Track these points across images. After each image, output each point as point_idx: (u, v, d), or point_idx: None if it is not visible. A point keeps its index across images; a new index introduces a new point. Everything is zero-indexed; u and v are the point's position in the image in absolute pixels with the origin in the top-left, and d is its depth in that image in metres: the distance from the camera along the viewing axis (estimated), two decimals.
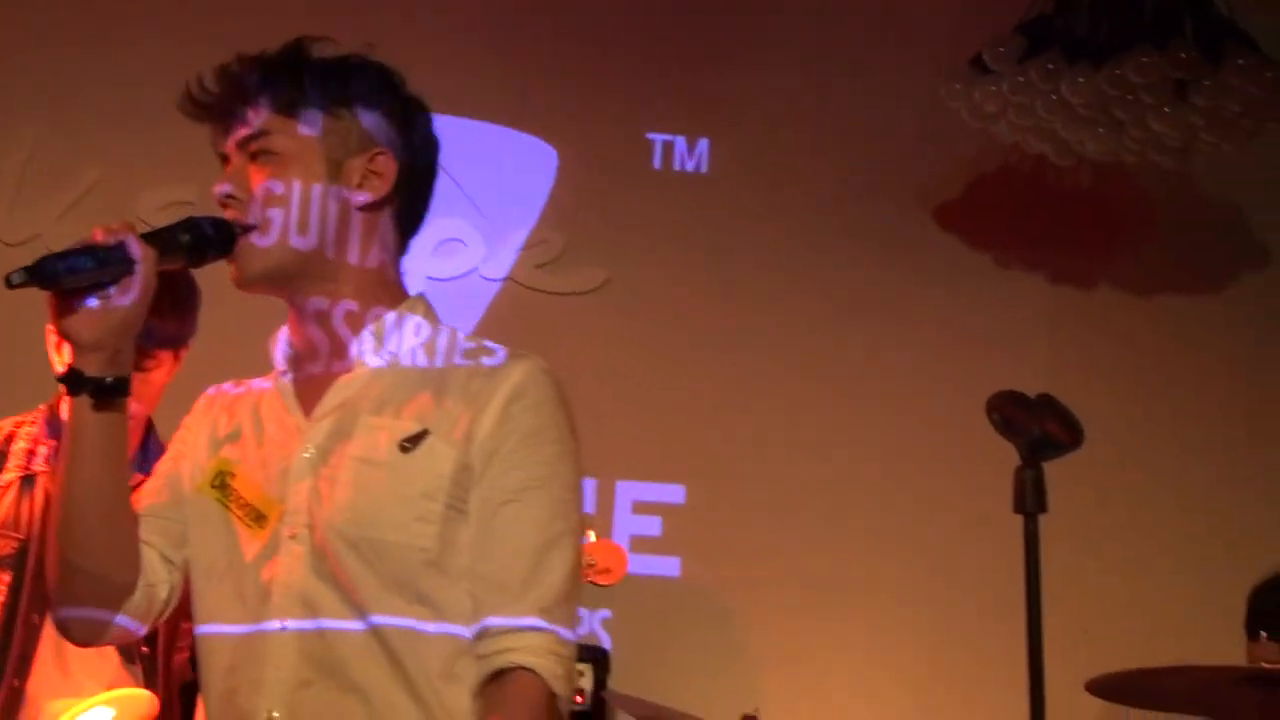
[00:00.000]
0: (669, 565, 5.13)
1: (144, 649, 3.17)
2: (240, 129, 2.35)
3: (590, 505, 5.00)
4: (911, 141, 5.30)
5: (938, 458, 5.05)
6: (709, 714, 4.07)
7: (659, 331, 5.24)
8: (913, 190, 5.33)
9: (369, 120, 2.37)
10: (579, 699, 4.53)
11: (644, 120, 5.38)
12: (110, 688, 3.13)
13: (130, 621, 2.35)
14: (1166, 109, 4.61)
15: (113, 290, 2.17)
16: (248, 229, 2.30)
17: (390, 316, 2.37)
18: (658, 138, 5.39)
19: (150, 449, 3.21)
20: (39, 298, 2.15)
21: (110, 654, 3.16)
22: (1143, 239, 5.36)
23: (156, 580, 2.35)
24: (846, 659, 5.04)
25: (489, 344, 2.38)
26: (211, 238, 2.29)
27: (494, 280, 5.25)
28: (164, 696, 3.17)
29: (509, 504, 2.29)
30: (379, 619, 2.24)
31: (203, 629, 2.34)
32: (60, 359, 2.88)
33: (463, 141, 5.17)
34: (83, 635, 2.36)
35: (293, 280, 2.35)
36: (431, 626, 2.26)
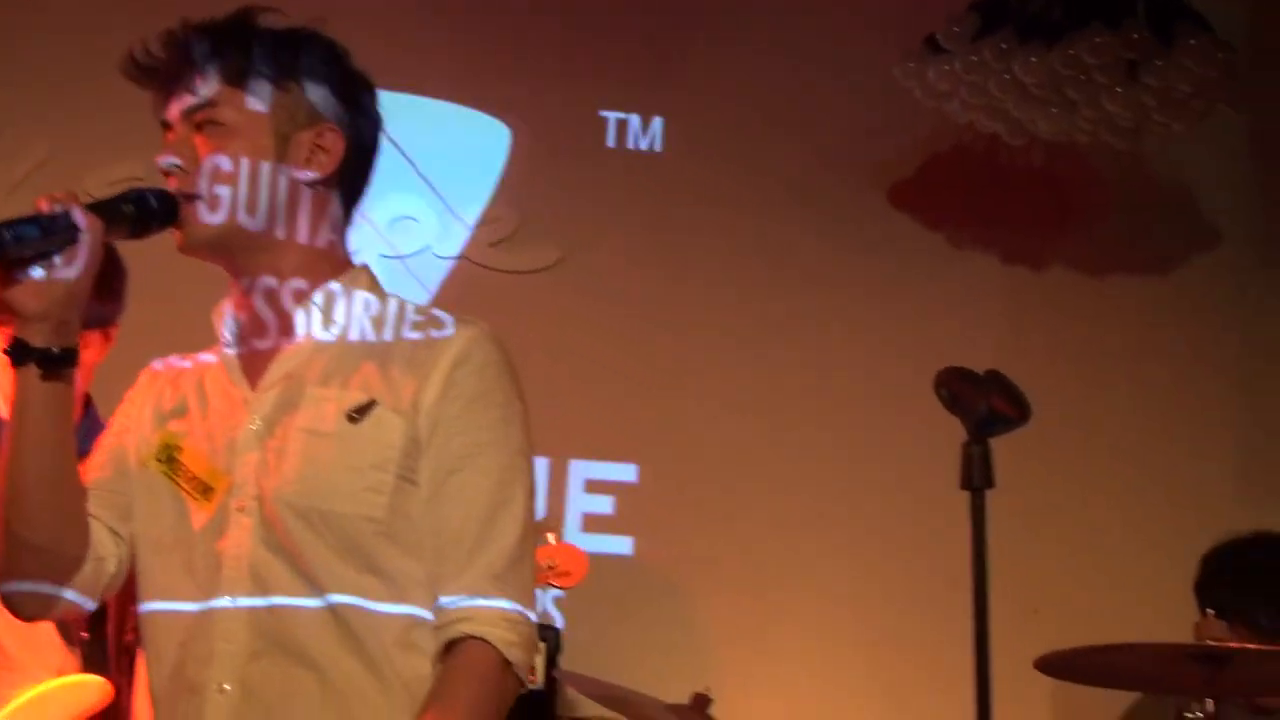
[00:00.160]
0: (621, 544, 5.12)
1: (84, 634, 3.15)
2: (186, 97, 2.33)
3: (543, 484, 5.00)
4: (865, 120, 5.30)
5: (891, 435, 5.05)
6: (662, 692, 4.07)
7: (612, 310, 5.24)
8: (867, 169, 5.33)
9: (316, 94, 2.37)
10: (532, 677, 4.52)
11: (598, 98, 5.37)
12: (59, 673, 3.11)
13: (78, 596, 2.34)
14: (1119, 89, 4.63)
15: (58, 260, 2.16)
16: (191, 197, 2.29)
17: (335, 289, 2.36)
18: (612, 116, 5.37)
19: (89, 428, 3.19)
20: None
21: (54, 639, 3.14)
22: (1095, 219, 5.38)
23: (105, 554, 2.34)
24: (798, 636, 5.05)
25: (437, 313, 2.38)
26: (155, 209, 2.28)
27: (447, 258, 5.23)
28: (116, 681, 3.15)
29: (455, 473, 2.29)
30: (332, 590, 2.24)
31: (151, 604, 2.33)
32: None
33: (417, 119, 5.15)
34: (31, 610, 2.35)
35: (237, 253, 2.34)
36: (386, 597, 2.26)
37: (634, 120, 5.37)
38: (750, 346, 5.24)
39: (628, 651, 4.91)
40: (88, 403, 3.26)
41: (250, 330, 2.38)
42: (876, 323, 5.24)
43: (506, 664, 2.24)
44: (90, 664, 3.15)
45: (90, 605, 2.37)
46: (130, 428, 2.41)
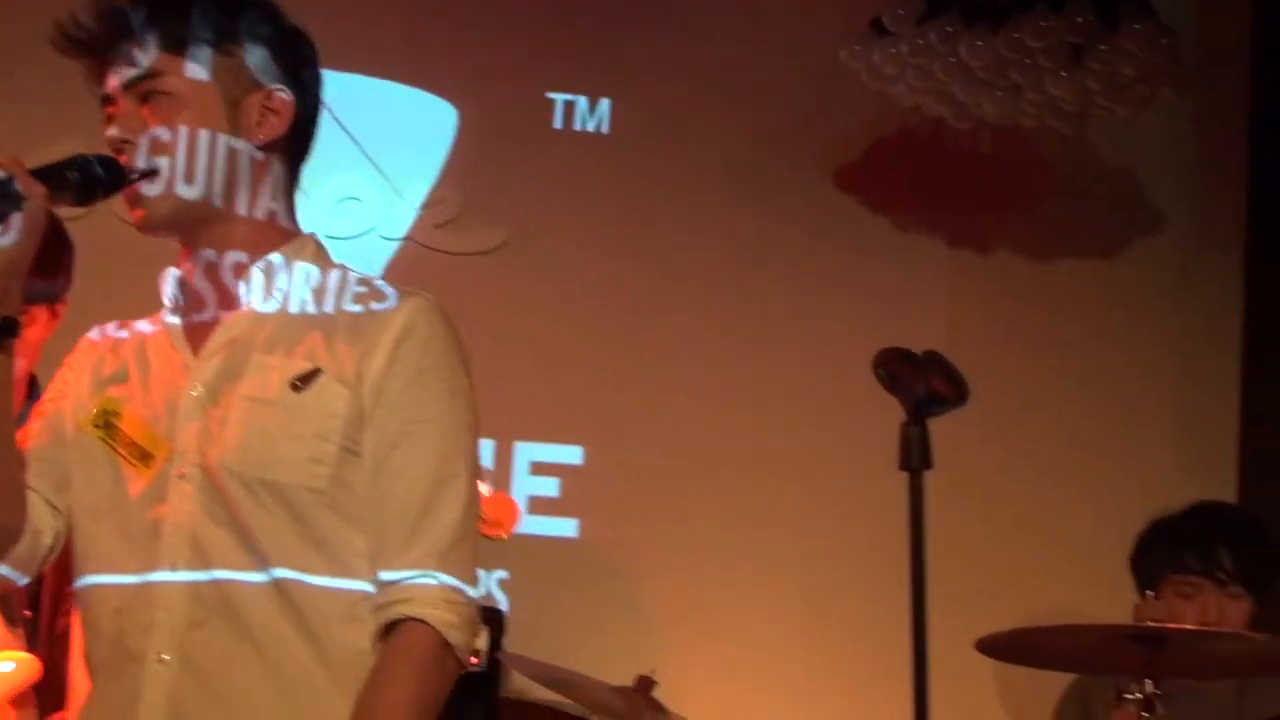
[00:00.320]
0: (566, 526, 5.12)
1: (27, 612, 3.12)
2: (125, 69, 2.30)
3: (487, 466, 4.99)
4: (812, 103, 5.30)
5: (835, 417, 5.06)
6: (606, 675, 4.07)
7: (558, 292, 5.23)
8: (813, 152, 5.33)
9: (259, 57, 2.35)
10: (474, 660, 4.52)
11: (545, 79, 5.35)
12: None
13: (13, 571, 2.32)
14: (1063, 73, 4.64)
15: None
16: (144, 175, 2.27)
17: (277, 259, 2.34)
18: (559, 97, 5.36)
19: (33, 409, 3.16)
20: None
21: None
22: (1040, 203, 5.40)
23: (42, 526, 2.31)
24: (743, 619, 5.06)
25: (380, 284, 2.36)
26: (101, 177, 2.25)
27: (392, 240, 5.21)
28: (47, 661, 3.12)
29: (397, 447, 2.27)
30: (275, 563, 2.22)
31: (88, 575, 2.30)
32: None
33: (362, 99, 5.12)
34: None
35: (195, 225, 2.32)
36: (330, 571, 2.24)
37: (581, 102, 5.36)
38: (695, 329, 5.24)
39: (572, 634, 4.91)
40: (32, 383, 3.23)
41: (195, 299, 2.36)
42: (822, 305, 5.25)
43: (447, 646, 2.22)
44: (34, 644, 3.12)
45: (24, 580, 2.35)
46: (68, 394, 2.38)
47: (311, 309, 2.33)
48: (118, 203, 2.32)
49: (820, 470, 5.13)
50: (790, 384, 5.21)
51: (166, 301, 2.39)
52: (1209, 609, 3.94)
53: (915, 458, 2.02)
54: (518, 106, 5.32)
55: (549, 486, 5.13)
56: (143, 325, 2.42)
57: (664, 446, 5.16)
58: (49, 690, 3.05)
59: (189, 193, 2.29)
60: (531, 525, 5.07)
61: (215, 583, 2.22)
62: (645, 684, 3.96)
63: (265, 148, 2.34)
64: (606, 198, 5.30)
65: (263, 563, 2.22)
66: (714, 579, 5.07)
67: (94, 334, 2.45)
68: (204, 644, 2.21)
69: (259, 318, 2.32)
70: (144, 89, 2.30)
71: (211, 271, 2.34)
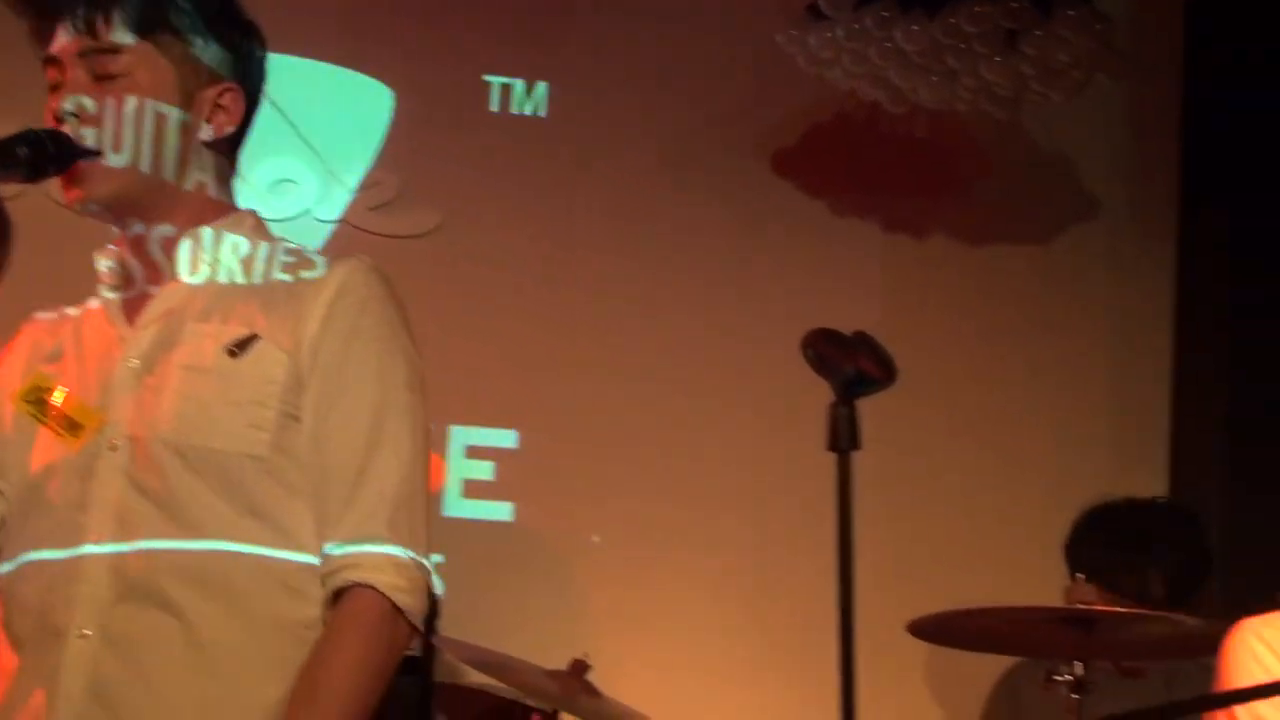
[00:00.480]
0: (501, 510, 5.10)
1: None
2: (86, 38, 2.29)
3: None
4: (748, 87, 5.30)
5: (772, 400, 5.05)
6: (540, 659, 4.07)
7: (494, 275, 5.21)
8: (749, 136, 5.33)
9: (218, 52, 2.35)
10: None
11: (481, 62, 5.33)
12: None
13: None
14: (998, 58, 4.66)
15: None
16: (91, 153, 2.26)
17: (209, 232, 2.33)
18: (495, 80, 5.34)
19: None
20: None
21: None
22: (975, 188, 5.41)
23: None
24: (675, 602, 5.06)
25: (311, 254, 2.36)
26: (52, 154, 2.23)
27: (327, 222, 5.18)
28: None
29: (333, 410, 2.26)
30: (210, 534, 2.20)
31: (20, 551, 2.28)
32: None
33: (298, 81, 5.08)
34: None
35: (130, 205, 2.31)
36: (269, 542, 2.22)
37: (518, 85, 5.34)
38: (632, 312, 5.23)
39: (507, 618, 4.90)
40: None
41: (132, 275, 2.36)
42: (758, 289, 5.25)
43: (396, 610, 2.20)
44: None
45: None
46: (3, 385, 2.37)
47: (241, 279, 2.32)
48: (50, 181, 2.31)
49: (756, 453, 5.13)
50: (726, 368, 5.22)
51: (103, 278, 2.38)
52: None
53: (843, 438, 2.02)
54: (454, 89, 5.30)
55: (484, 470, 5.11)
56: (83, 305, 2.42)
57: (599, 430, 5.16)
58: None
59: (145, 172, 2.30)
60: (467, 509, 5.07)
61: (140, 555, 2.20)
62: (579, 668, 3.97)
63: (212, 142, 2.35)
64: (543, 181, 5.28)
65: (192, 533, 2.20)
66: (648, 563, 5.07)
67: (32, 321, 2.45)
68: (127, 618, 2.19)
69: (195, 288, 2.32)
70: (101, 64, 2.29)
71: (149, 248, 2.33)
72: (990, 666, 4.30)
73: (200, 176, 2.35)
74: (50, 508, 2.25)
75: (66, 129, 2.26)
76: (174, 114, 2.30)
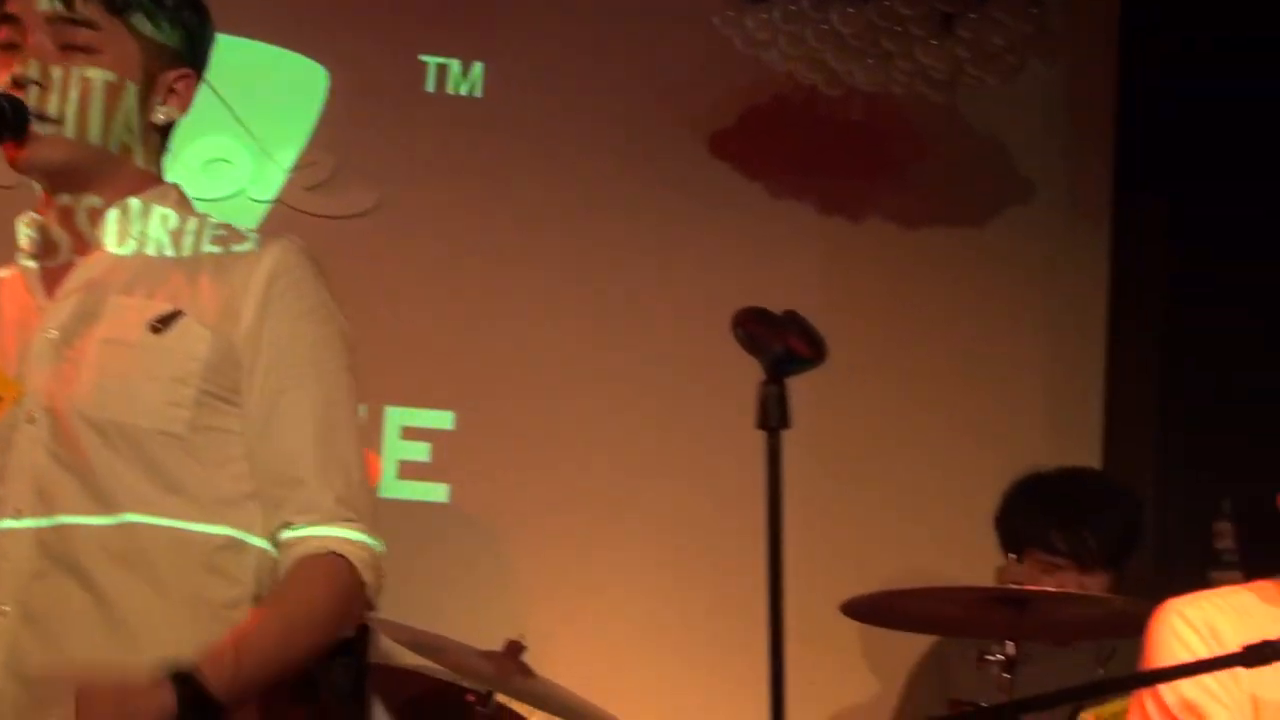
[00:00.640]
0: (438, 491, 5.09)
1: None
2: (59, 6, 2.27)
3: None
4: (686, 68, 5.30)
5: (708, 381, 5.06)
6: (476, 639, 4.07)
7: (430, 256, 5.20)
8: (687, 118, 5.33)
9: (179, 36, 2.36)
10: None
11: (417, 42, 5.31)
12: None
13: None
14: (933, 41, 4.67)
15: None
16: (47, 120, 2.24)
17: (136, 203, 2.32)
18: (431, 60, 5.32)
19: None
20: None
21: None
22: (911, 171, 5.43)
23: None
24: (610, 583, 5.07)
25: (240, 229, 2.36)
26: (9, 119, 2.22)
27: (262, 202, 5.15)
28: None
29: (285, 392, 2.26)
30: (127, 509, 2.18)
31: None
32: None
33: (232, 59, 5.01)
34: None
35: (73, 173, 2.30)
36: (189, 516, 2.21)
37: (454, 65, 5.32)
38: (570, 295, 5.22)
39: (442, 599, 4.90)
40: None
41: (56, 244, 2.34)
42: (696, 271, 5.25)
43: (361, 583, 2.23)
44: None
45: None
46: None
47: (169, 252, 2.31)
48: None
49: (691, 434, 5.14)
50: (663, 350, 5.22)
51: (22, 246, 2.37)
52: (1067, 585, 4.01)
53: (773, 416, 2.02)
54: (390, 69, 5.27)
55: (420, 451, 5.10)
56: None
57: (536, 411, 5.15)
58: None
59: (86, 143, 2.28)
60: (402, 490, 5.06)
61: (59, 530, 2.19)
62: (514, 648, 3.97)
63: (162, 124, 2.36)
64: (479, 162, 5.26)
65: (111, 508, 2.18)
66: (584, 544, 5.08)
67: None
68: (45, 594, 2.18)
69: (118, 260, 2.31)
70: (70, 34, 2.29)
71: (74, 217, 2.32)
72: (922, 645, 4.32)
73: (144, 154, 2.36)
74: None
75: (25, 94, 2.25)
76: (134, 93, 2.30)
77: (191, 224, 2.35)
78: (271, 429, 2.25)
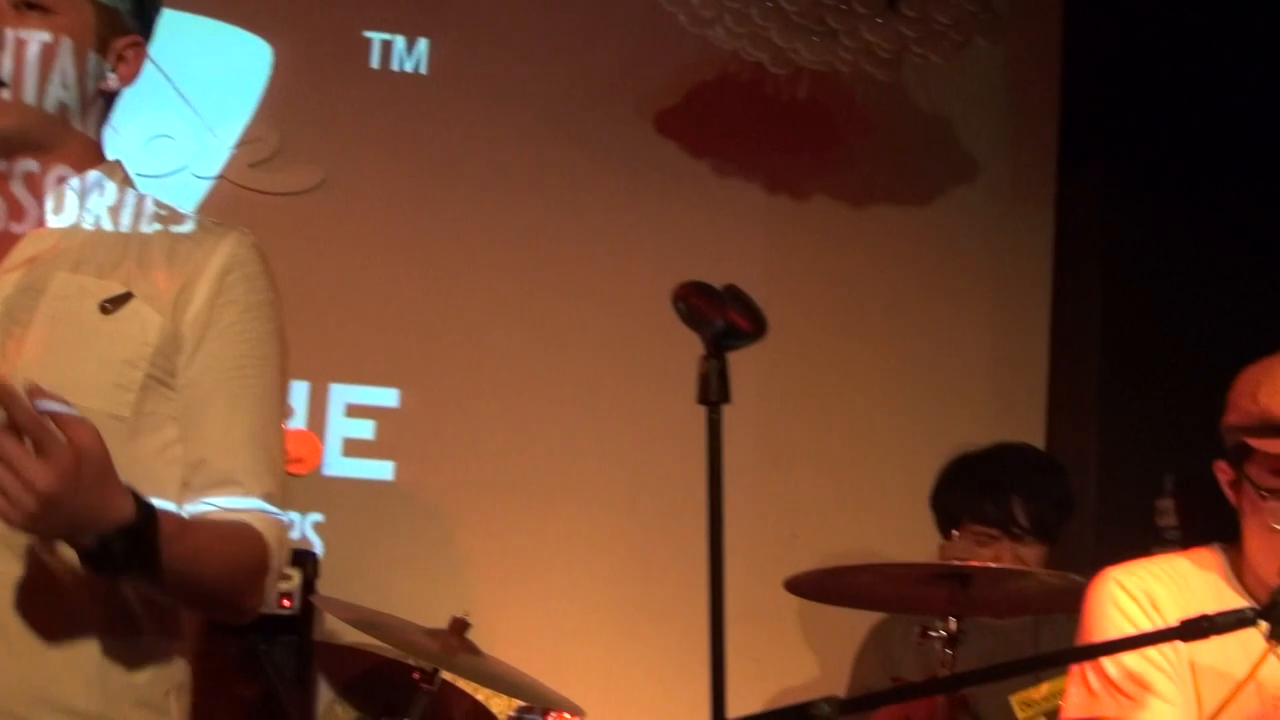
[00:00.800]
0: (382, 469, 5.08)
1: None
2: None
3: (302, 408, 4.96)
4: (632, 46, 5.29)
5: (653, 360, 5.06)
6: (421, 617, 4.06)
7: (374, 233, 5.18)
8: (633, 95, 5.33)
9: (130, 3, 2.33)
10: (287, 602, 4.49)
11: (361, 18, 5.28)
12: None
13: None
14: (878, 19, 4.66)
15: None
16: (2, 84, 2.23)
17: (93, 177, 2.32)
18: (376, 36, 5.29)
19: None
20: None
21: None
22: (857, 149, 5.44)
23: None
24: (556, 560, 5.07)
25: (178, 210, 2.35)
26: None
27: (205, 178, 5.12)
28: None
29: (227, 382, 2.25)
30: None
31: None
32: None
33: (175, 34, 4.99)
34: None
35: (19, 142, 2.28)
36: None
37: (399, 41, 5.29)
38: (514, 271, 5.21)
39: (387, 577, 4.89)
40: None
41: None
42: (641, 248, 5.24)
43: (266, 568, 2.22)
44: None
45: None
46: None
47: (114, 229, 2.30)
48: None
49: (637, 412, 5.14)
50: (608, 328, 5.22)
51: None
52: (1003, 557, 4.04)
53: (713, 391, 2.02)
54: (334, 45, 5.25)
55: (364, 429, 5.08)
56: None
57: (481, 389, 5.14)
58: None
59: (39, 108, 2.26)
60: (347, 468, 5.05)
61: None
62: (459, 626, 3.96)
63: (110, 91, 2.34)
64: (424, 139, 5.25)
65: None
66: (529, 521, 5.07)
67: None
68: None
69: (65, 235, 2.29)
70: None
71: (12, 185, 2.30)
72: (865, 621, 4.34)
73: (91, 123, 2.33)
74: None
75: None
76: (89, 59, 2.28)
77: (136, 202, 2.34)
78: (208, 416, 2.24)
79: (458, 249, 5.20)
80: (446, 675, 4.00)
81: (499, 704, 4.23)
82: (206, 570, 2.16)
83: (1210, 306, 5.07)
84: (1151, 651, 2.68)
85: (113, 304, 2.23)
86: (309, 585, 4.57)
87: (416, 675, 3.97)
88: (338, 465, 5.02)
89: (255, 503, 2.23)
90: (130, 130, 4.78)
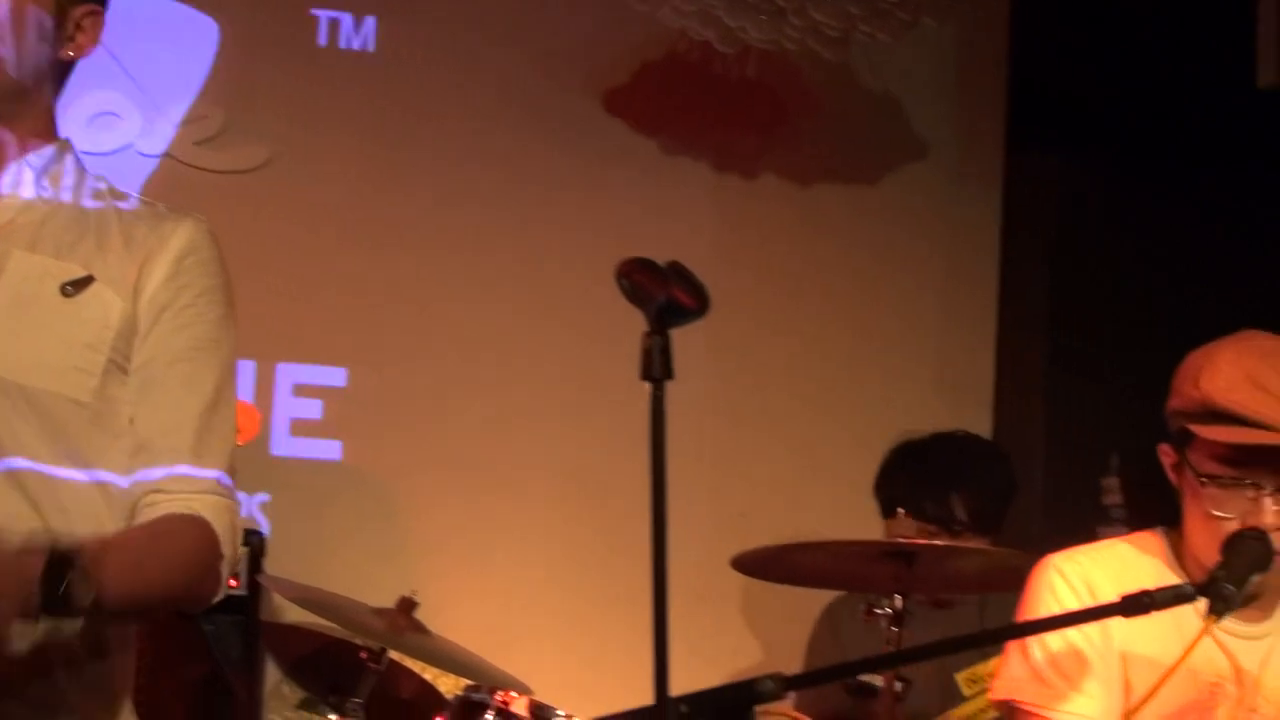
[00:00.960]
0: (330, 449, 5.07)
1: None
2: None
3: (249, 388, 4.93)
4: (580, 25, 5.28)
5: (602, 339, 5.04)
6: (368, 596, 4.05)
7: (322, 212, 5.15)
8: (581, 74, 5.31)
9: None
10: (233, 582, 4.46)
11: None
12: None
13: None
14: None
15: None
16: None
17: (50, 151, 2.30)
18: (323, 14, 5.26)
19: None
20: None
21: None
22: (805, 128, 5.44)
23: None
24: (503, 539, 5.07)
25: (119, 188, 2.34)
26: None
27: (151, 156, 5.09)
28: None
29: (180, 363, 2.24)
30: (21, 463, 2.14)
31: None
32: None
33: (120, 11, 4.96)
34: None
35: None
36: (82, 477, 2.18)
37: (346, 19, 5.27)
38: (462, 250, 5.20)
39: (334, 556, 4.88)
40: None
41: None
42: (589, 226, 5.23)
43: (220, 556, 2.21)
44: None
45: None
46: None
47: (65, 203, 2.28)
48: None
49: (586, 389, 5.14)
50: (557, 306, 5.21)
51: None
52: None
53: (656, 367, 2.01)
54: (281, 22, 5.22)
55: (312, 408, 5.07)
56: None
57: (427, 368, 5.14)
58: None
59: (13, 75, 2.25)
60: (294, 447, 5.03)
61: None
62: (406, 605, 3.95)
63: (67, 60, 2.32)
64: (372, 117, 5.22)
65: (5, 463, 2.15)
66: (476, 500, 5.07)
67: None
68: None
69: (21, 210, 2.27)
70: None
71: None
72: (811, 599, 4.35)
73: (46, 93, 2.31)
74: None
75: None
76: (49, 24, 2.26)
77: (90, 182, 2.32)
78: (158, 395, 2.23)
79: (405, 228, 5.19)
80: (394, 654, 4.00)
81: (447, 683, 4.22)
82: (152, 576, 2.15)
83: (1157, 285, 5.10)
84: (1080, 641, 2.69)
85: (74, 286, 2.21)
86: (256, 565, 4.56)
87: (364, 655, 3.96)
88: (285, 445, 5.01)
89: (206, 483, 2.22)
90: (75, 108, 4.74)
